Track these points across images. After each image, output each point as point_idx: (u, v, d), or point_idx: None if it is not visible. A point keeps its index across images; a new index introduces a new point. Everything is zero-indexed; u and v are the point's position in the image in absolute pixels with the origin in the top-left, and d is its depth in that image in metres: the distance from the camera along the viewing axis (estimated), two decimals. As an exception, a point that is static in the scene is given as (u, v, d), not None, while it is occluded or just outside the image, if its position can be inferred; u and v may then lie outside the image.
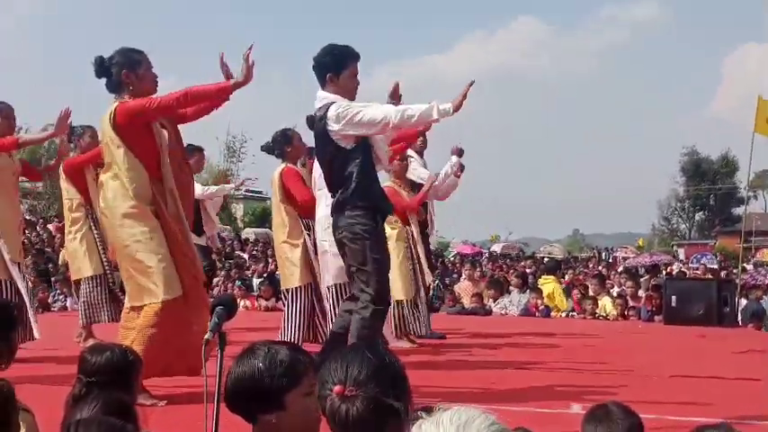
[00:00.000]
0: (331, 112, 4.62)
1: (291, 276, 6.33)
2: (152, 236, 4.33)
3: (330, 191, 4.87)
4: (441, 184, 7.95)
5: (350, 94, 4.82)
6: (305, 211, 6.34)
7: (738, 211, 50.64)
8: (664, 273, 18.62)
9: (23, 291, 5.66)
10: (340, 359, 1.80)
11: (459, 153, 8.04)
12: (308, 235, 6.31)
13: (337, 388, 1.74)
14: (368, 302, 4.58)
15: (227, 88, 4.40)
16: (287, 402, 1.97)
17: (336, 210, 4.78)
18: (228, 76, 4.40)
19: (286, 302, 6.41)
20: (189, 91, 4.34)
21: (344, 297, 5.54)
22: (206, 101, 4.57)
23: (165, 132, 4.56)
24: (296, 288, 6.27)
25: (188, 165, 4.87)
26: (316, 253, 6.30)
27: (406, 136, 6.30)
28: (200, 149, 8.45)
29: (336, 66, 4.76)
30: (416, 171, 7.91)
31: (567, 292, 13.20)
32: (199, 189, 7.35)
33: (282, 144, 6.52)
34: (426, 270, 7.61)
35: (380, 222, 4.79)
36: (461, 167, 8.05)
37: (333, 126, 4.63)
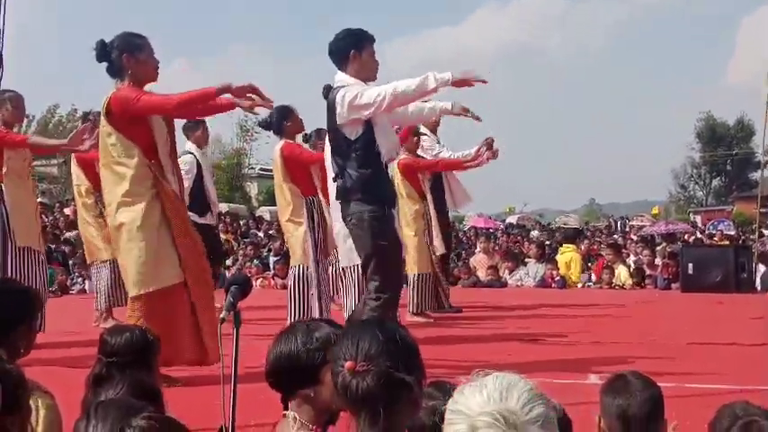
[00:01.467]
0: (338, 99, 4.62)
1: (294, 255, 6.39)
2: (143, 223, 4.29)
3: (334, 180, 4.88)
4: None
5: (371, 73, 4.82)
6: (309, 190, 6.34)
7: (756, 175, 50.22)
8: (680, 241, 18.53)
9: (38, 279, 5.69)
10: (351, 335, 1.81)
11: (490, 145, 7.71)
12: (313, 214, 6.32)
13: (348, 363, 1.74)
14: (376, 290, 4.57)
15: (225, 107, 4.40)
16: (323, 376, 2.00)
17: (341, 198, 4.80)
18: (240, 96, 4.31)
19: (289, 280, 6.45)
20: (185, 99, 4.29)
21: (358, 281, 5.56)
22: (198, 110, 4.51)
23: (162, 121, 4.52)
24: (295, 266, 6.32)
25: (174, 153, 4.72)
26: (319, 231, 6.32)
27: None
28: (202, 122, 8.41)
29: (357, 44, 4.76)
30: (432, 150, 7.85)
31: (584, 262, 13.20)
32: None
33: (281, 119, 6.51)
34: (436, 244, 7.60)
35: (387, 209, 4.73)
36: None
37: (339, 114, 4.63)
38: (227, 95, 4.30)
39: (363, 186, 4.63)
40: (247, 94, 4.28)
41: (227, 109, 4.49)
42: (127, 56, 4.41)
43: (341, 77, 4.76)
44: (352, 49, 4.73)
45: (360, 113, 4.60)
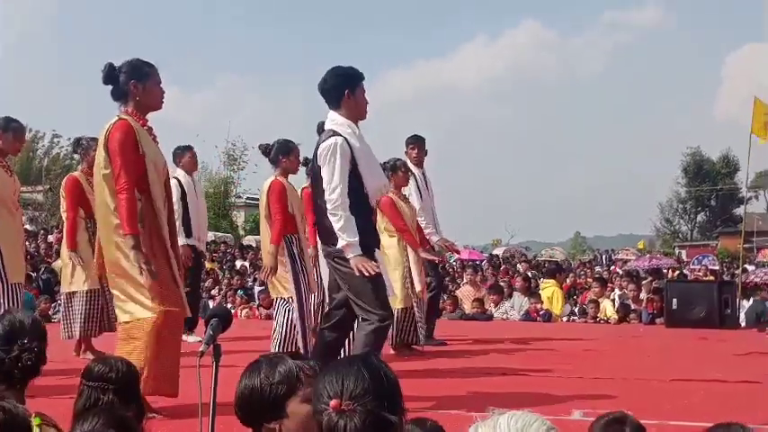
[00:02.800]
0: (320, 152, 4.63)
1: (273, 287, 6.40)
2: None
3: (314, 225, 4.89)
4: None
5: (362, 111, 4.83)
6: (287, 228, 6.35)
7: (739, 211, 50.60)
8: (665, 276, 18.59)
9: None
10: (335, 372, 1.80)
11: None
12: (292, 250, 6.32)
13: (333, 402, 1.73)
14: (375, 322, 4.55)
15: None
16: (288, 409, 2.00)
17: (322, 239, 4.80)
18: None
19: (275, 312, 6.44)
20: (122, 215, 4.26)
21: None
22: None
23: (160, 155, 4.52)
24: (279, 299, 6.32)
25: (167, 181, 4.73)
26: (302, 266, 6.34)
27: None
28: (189, 147, 8.43)
29: (351, 84, 4.76)
30: (412, 198, 7.88)
31: (569, 296, 13.20)
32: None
33: (280, 152, 6.51)
34: (416, 279, 7.54)
35: (366, 249, 4.67)
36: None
37: (320, 161, 4.64)
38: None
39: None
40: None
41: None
42: (134, 83, 4.42)
43: (333, 117, 4.76)
44: (346, 89, 4.73)
45: (321, 179, 4.62)
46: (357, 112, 4.79)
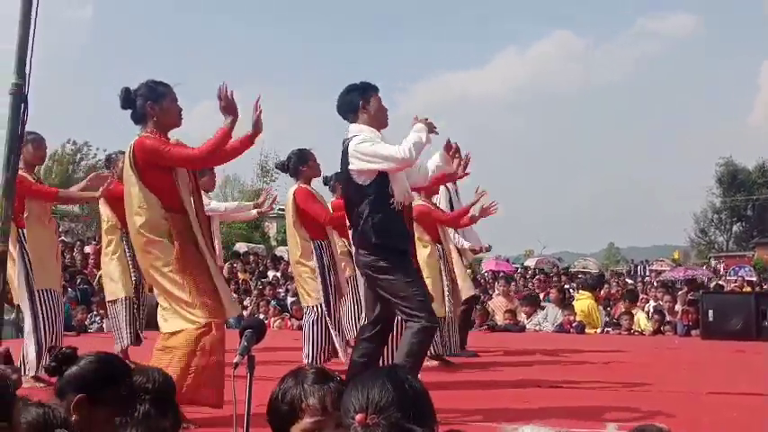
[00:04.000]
0: (351, 147, 4.66)
1: (303, 297, 6.42)
2: (171, 266, 4.32)
3: (349, 226, 4.90)
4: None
5: (382, 119, 4.86)
6: (318, 234, 6.39)
7: (777, 221, 49.83)
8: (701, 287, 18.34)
9: (57, 320, 5.78)
10: (360, 386, 1.80)
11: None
12: (321, 256, 6.36)
13: (359, 417, 1.73)
14: (422, 323, 4.54)
15: (246, 142, 4.42)
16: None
17: (356, 245, 4.80)
18: (257, 122, 4.39)
19: (305, 321, 6.47)
20: (209, 148, 4.34)
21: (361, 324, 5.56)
22: (225, 156, 4.57)
23: (185, 172, 4.58)
24: (308, 307, 6.34)
25: (198, 192, 4.80)
26: (332, 273, 6.38)
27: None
28: (210, 168, 8.53)
29: (363, 95, 4.80)
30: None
31: (603, 307, 13.09)
32: (214, 205, 7.46)
33: (298, 163, 6.57)
34: (464, 286, 7.52)
35: (401, 255, 4.70)
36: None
37: (352, 161, 4.65)
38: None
39: (377, 233, 4.61)
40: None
41: (248, 145, 4.52)
42: (151, 103, 4.48)
43: (353, 128, 4.79)
44: (360, 101, 4.78)
45: (376, 164, 4.62)
46: (377, 122, 4.81)
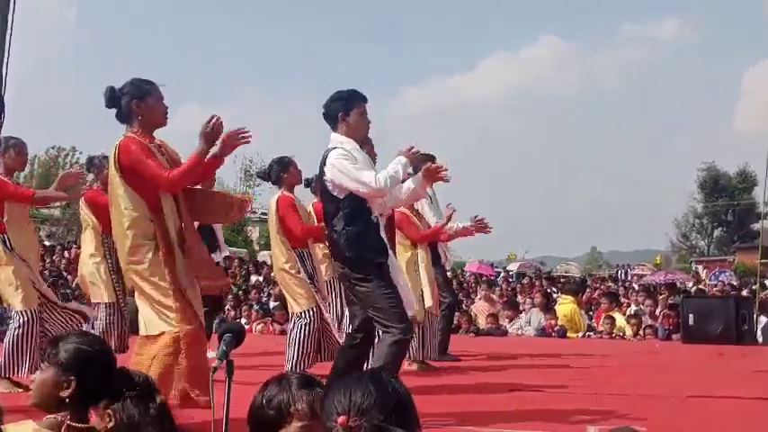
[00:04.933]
0: (331, 158, 4.69)
1: (293, 302, 6.42)
2: (153, 270, 4.29)
3: (328, 238, 4.92)
4: (449, 230, 7.79)
5: (361, 132, 4.91)
6: (298, 243, 6.40)
7: (757, 226, 50.20)
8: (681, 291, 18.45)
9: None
10: (343, 389, 1.80)
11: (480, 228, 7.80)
12: (303, 265, 6.38)
13: (341, 419, 1.73)
14: (397, 335, 4.56)
15: (212, 165, 4.39)
16: None
17: (336, 257, 4.83)
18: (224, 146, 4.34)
19: (291, 326, 6.46)
20: (180, 175, 4.30)
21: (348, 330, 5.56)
22: (194, 179, 4.51)
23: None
24: (298, 313, 6.34)
25: (190, 192, 4.77)
26: (315, 280, 6.41)
27: None
28: None
29: (345, 106, 4.84)
30: (425, 214, 7.83)
31: (585, 311, 13.16)
32: None
33: (279, 171, 6.60)
34: (428, 295, 7.50)
35: (377, 267, 4.70)
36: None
37: (329, 172, 4.68)
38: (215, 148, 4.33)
39: (350, 247, 4.63)
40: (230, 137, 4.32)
41: (220, 163, 4.49)
42: (136, 102, 4.44)
43: (334, 137, 4.85)
44: (340, 112, 4.82)
45: (353, 185, 4.63)
46: (354, 134, 4.86)
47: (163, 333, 4.26)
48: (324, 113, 4.92)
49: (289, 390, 2.04)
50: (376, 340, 4.90)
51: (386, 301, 4.60)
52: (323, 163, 4.76)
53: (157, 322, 4.30)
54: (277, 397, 2.04)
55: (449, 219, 7.57)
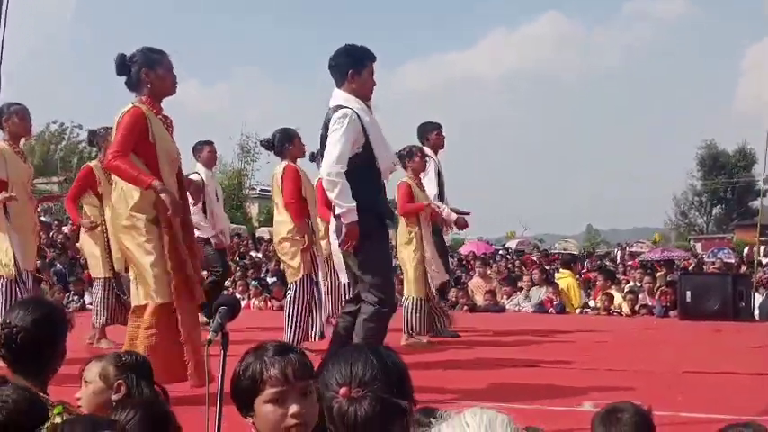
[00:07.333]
0: (332, 120, 4.65)
1: (290, 271, 6.42)
2: (148, 241, 4.31)
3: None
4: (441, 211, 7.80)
5: (367, 92, 4.84)
6: (286, 208, 6.40)
7: (756, 204, 50.25)
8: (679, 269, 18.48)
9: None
10: (343, 360, 1.80)
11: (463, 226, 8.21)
12: (307, 236, 6.37)
13: (343, 390, 1.73)
14: (374, 304, 4.56)
15: (144, 184, 4.34)
16: (255, 406, 2.00)
17: (335, 214, 4.79)
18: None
19: (287, 298, 6.46)
20: (119, 168, 4.33)
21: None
22: (126, 180, 4.44)
23: (173, 144, 4.56)
24: (295, 282, 6.33)
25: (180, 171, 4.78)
26: (315, 252, 6.44)
27: None
28: (208, 142, 8.45)
29: (357, 63, 4.77)
30: (427, 188, 7.80)
31: (583, 288, 13.18)
32: None
33: (283, 141, 6.56)
34: (434, 271, 7.49)
35: (379, 225, 4.72)
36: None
37: (333, 127, 4.64)
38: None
39: (357, 203, 4.61)
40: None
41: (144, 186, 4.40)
42: (146, 70, 4.45)
43: (338, 94, 4.77)
44: (351, 69, 4.75)
45: (328, 153, 4.63)
46: (361, 93, 4.79)
47: (146, 304, 4.29)
48: (332, 66, 4.82)
49: (262, 358, 2.04)
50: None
51: (378, 265, 4.62)
52: (328, 121, 4.71)
53: (142, 293, 4.33)
54: (252, 366, 2.03)
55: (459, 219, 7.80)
